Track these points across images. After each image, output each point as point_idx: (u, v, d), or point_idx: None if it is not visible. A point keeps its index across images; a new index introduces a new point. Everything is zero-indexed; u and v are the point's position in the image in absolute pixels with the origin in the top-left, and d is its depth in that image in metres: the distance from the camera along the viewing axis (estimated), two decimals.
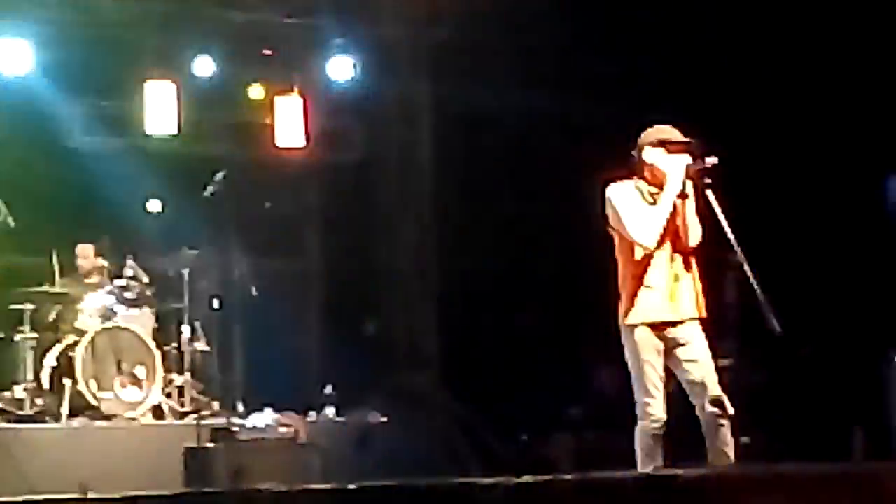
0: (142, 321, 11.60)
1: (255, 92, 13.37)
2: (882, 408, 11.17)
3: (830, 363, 11.73)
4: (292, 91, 13.11)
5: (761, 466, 7.59)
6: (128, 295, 11.57)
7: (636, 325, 7.63)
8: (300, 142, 13.17)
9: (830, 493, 6.47)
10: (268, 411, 11.16)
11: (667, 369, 7.67)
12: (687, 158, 7.63)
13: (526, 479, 6.79)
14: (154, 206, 11.82)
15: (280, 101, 13.15)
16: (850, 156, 12.34)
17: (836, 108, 12.76)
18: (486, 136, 12.62)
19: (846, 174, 12.27)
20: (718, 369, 7.69)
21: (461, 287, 12.52)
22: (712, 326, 7.73)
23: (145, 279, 11.69)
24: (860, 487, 6.56)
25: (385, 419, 11.67)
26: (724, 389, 7.62)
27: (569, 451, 11.06)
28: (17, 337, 11.26)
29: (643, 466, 7.47)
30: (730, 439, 7.57)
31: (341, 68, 13.14)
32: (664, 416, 7.60)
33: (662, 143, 7.69)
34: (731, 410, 7.53)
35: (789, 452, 9.90)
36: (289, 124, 13.13)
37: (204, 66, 12.69)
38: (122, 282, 11.57)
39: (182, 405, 11.54)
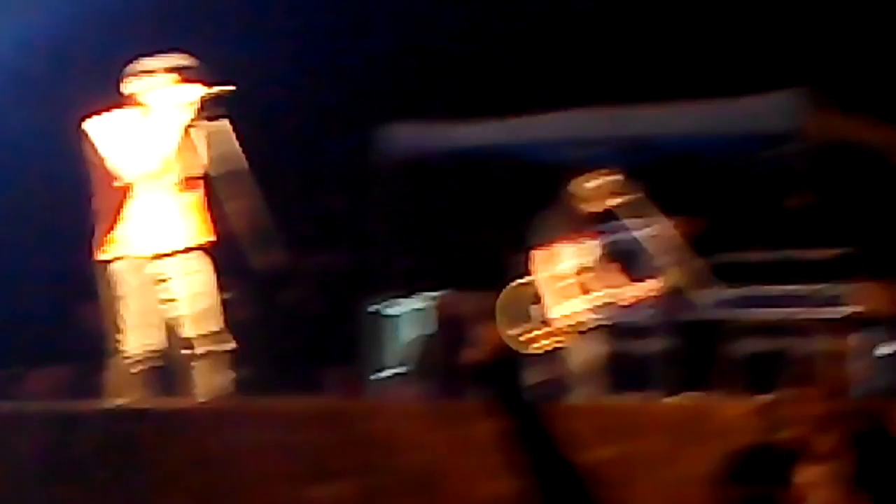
0: None
1: None
2: (358, 351, 11.45)
3: (316, 305, 11.93)
4: None
5: (240, 399, 7.64)
6: None
7: (115, 259, 7.44)
8: None
9: (308, 425, 6.61)
10: None
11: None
12: (185, 87, 7.48)
13: None
14: None
15: None
16: (349, 104, 12.60)
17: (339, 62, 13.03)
18: None
19: (344, 122, 12.51)
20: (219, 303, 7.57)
21: None
22: (213, 260, 7.61)
23: None
24: (333, 421, 6.74)
25: None
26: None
27: (51, 385, 10.76)
28: None
29: (116, 399, 7.31)
30: (210, 376, 7.49)
31: None
32: (145, 351, 7.42)
33: (156, 72, 7.52)
34: (223, 347, 7.44)
35: (276, 388, 10.01)
36: None
37: None
38: None
39: None
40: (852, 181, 11.43)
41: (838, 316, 10.23)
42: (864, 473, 4.99)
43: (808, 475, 5.04)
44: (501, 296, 9.43)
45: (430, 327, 11.12)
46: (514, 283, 9.44)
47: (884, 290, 10.67)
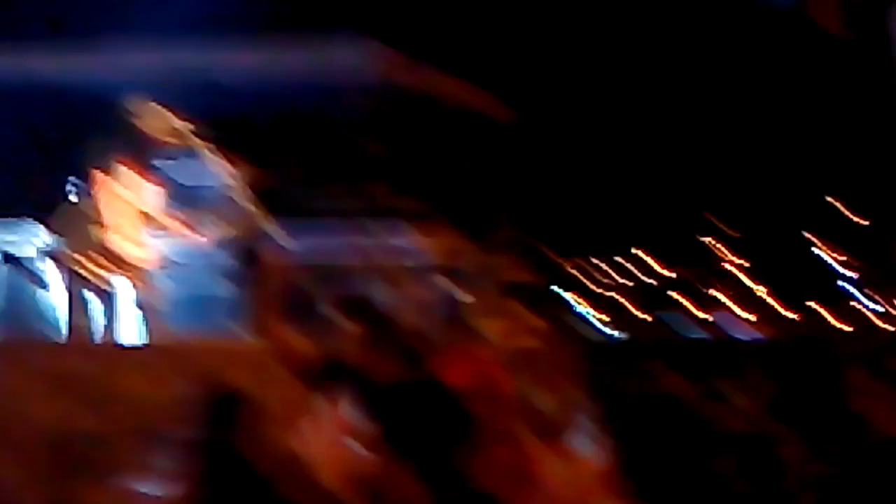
0: None
1: None
2: None
3: None
4: None
5: None
6: None
7: None
8: None
9: None
10: None
11: None
12: None
13: None
14: None
15: None
16: None
17: None
18: None
19: None
20: None
21: None
22: None
23: None
24: None
25: None
26: None
27: None
28: None
29: None
30: None
31: None
32: None
33: None
34: None
35: None
36: None
37: None
38: None
39: None
40: (423, 131, 11.65)
41: (407, 263, 10.40)
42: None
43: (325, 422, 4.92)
44: (59, 217, 9.15)
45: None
46: (72, 204, 9.18)
47: (448, 239, 10.94)
